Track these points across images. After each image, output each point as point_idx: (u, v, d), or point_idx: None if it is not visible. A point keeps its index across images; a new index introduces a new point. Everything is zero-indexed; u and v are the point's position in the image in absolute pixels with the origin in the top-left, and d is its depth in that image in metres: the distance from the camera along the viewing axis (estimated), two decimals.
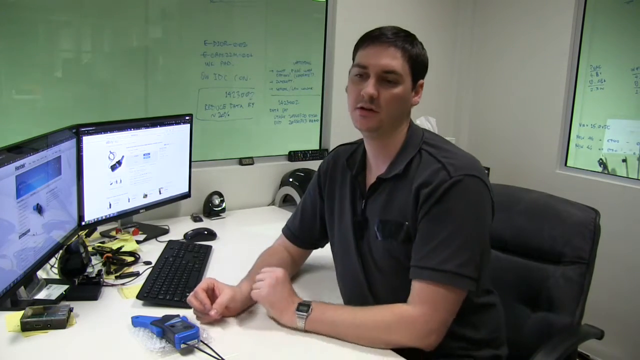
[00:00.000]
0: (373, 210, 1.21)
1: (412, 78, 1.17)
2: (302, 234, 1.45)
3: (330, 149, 2.57)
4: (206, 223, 2.12)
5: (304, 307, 1.15)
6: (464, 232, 1.07)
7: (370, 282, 1.23)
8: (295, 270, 1.52)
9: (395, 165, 1.19)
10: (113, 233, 1.86)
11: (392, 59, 1.14)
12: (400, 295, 1.12)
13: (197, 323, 1.15)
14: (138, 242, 1.79)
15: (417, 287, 1.10)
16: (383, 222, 1.18)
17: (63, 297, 1.31)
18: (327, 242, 1.43)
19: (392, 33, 1.16)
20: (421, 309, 1.07)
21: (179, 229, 1.98)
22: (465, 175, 1.09)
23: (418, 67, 1.19)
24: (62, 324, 1.17)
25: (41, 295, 1.32)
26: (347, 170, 1.30)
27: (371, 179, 1.24)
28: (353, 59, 1.22)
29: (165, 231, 1.97)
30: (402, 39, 1.16)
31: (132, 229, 1.90)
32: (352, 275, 1.27)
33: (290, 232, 1.47)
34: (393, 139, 1.20)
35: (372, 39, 1.17)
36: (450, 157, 1.14)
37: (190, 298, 1.21)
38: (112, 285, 1.44)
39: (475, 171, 1.11)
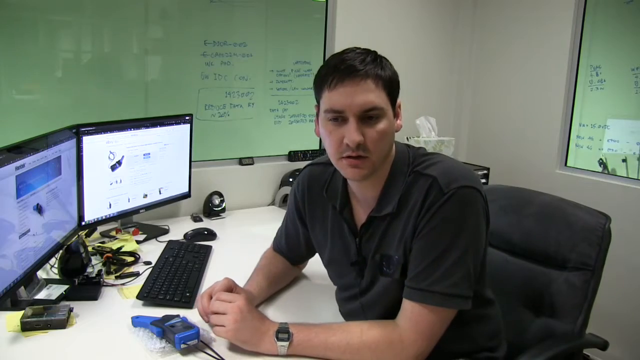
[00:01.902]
0: (369, 249, 1.13)
1: (391, 104, 1.06)
2: (292, 254, 1.42)
3: None
4: (206, 223, 2.12)
5: (283, 334, 1.06)
6: (457, 249, 1.01)
7: (368, 312, 1.18)
8: (299, 272, 1.52)
9: (386, 201, 1.09)
10: (113, 233, 1.86)
11: (370, 93, 1.00)
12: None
13: (197, 323, 1.14)
14: (138, 242, 1.79)
15: (408, 307, 1.04)
16: (383, 259, 1.11)
17: (63, 297, 1.31)
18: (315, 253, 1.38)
19: (360, 61, 1.01)
20: (412, 335, 1.03)
21: (179, 229, 1.98)
22: (458, 188, 1.02)
23: (394, 89, 1.06)
24: (62, 324, 1.17)
25: (41, 295, 1.32)
26: (326, 201, 1.21)
27: (360, 214, 1.16)
28: (317, 99, 1.07)
29: (165, 231, 1.97)
30: (372, 64, 1.02)
31: (132, 229, 1.90)
32: (351, 305, 1.23)
33: (280, 250, 1.44)
34: (380, 173, 1.09)
35: (340, 75, 1.00)
36: (440, 168, 1.06)
37: (198, 301, 1.19)
38: (112, 285, 1.44)
39: (467, 181, 1.03)
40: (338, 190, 1.18)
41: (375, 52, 1.07)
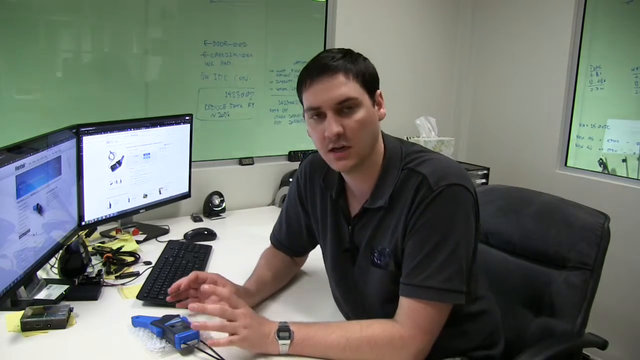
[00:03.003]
0: (362, 237, 1.17)
1: (368, 94, 1.09)
2: (292, 244, 1.43)
3: None
4: (206, 223, 2.12)
5: (284, 332, 1.07)
6: (449, 244, 1.03)
7: (365, 303, 1.20)
8: (298, 269, 1.52)
9: (379, 194, 1.12)
10: (113, 233, 1.86)
11: (341, 86, 1.05)
12: (393, 314, 1.10)
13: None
14: (138, 242, 1.79)
15: (405, 304, 1.06)
16: (375, 250, 1.14)
17: (63, 297, 1.31)
18: (317, 244, 1.39)
19: (330, 58, 1.07)
20: (412, 331, 1.04)
21: (179, 229, 1.98)
22: (447, 186, 1.04)
23: (369, 80, 1.10)
24: (62, 324, 1.17)
25: (41, 295, 1.32)
26: (324, 190, 1.25)
27: (355, 204, 1.19)
28: (301, 102, 1.13)
29: (165, 231, 1.97)
30: (342, 59, 1.07)
31: (132, 229, 1.90)
32: (346, 295, 1.25)
33: (279, 243, 1.44)
34: (371, 165, 1.13)
35: (311, 74, 1.07)
36: (430, 165, 1.09)
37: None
38: (112, 285, 1.44)
39: (456, 179, 1.06)
40: (335, 180, 1.22)
41: (348, 50, 1.11)
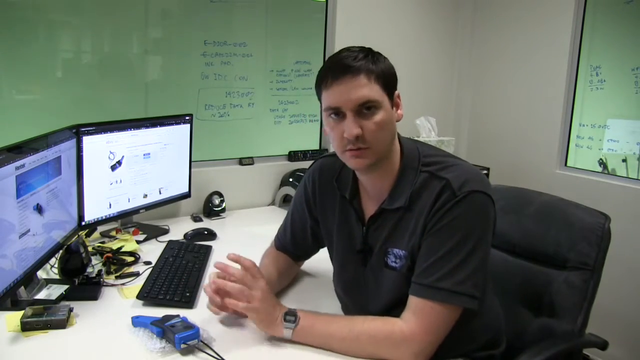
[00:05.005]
0: (376, 239, 1.16)
1: (387, 95, 1.08)
2: (296, 249, 1.42)
3: (331, 149, 2.57)
4: (206, 223, 2.12)
5: (290, 316, 1.10)
6: (465, 249, 1.03)
7: (373, 305, 1.19)
8: (296, 272, 1.52)
9: (398, 195, 1.12)
10: (113, 233, 1.86)
11: (363, 88, 1.04)
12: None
13: (197, 323, 1.14)
14: (138, 242, 1.79)
15: (413, 303, 1.06)
16: (390, 252, 1.14)
17: (63, 297, 1.31)
18: (321, 248, 1.40)
19: (353, 58, 1.05)
20: (414, 328, 1.04)
21: (179, 229, 1.98)
22: (470, 192, 1.05)
23: (389, 81, 1.09)
24: (62, 324, 1.17)
25: (41, 295, 1.32)
26: (336, 190, 1.24)
27: (369, 205, 1.19)
28: (319, 99, 1.12)
29: (165, 231, 1.97)
30: (364, 59, 1.06)
31: (132, 229, 1.90)
32: (354, 297, 1.25)
33: (283, 248, 1.44)
34: (389, 166, 1.13)
35: (333, 73, 1.06)
36: (454, 171, 1.09)
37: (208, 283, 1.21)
38: (112, 285, 1.44)
39: (479, 186, 1.06)
40: (348, 181, 1.22)
41: (369, 49, 1.11)
